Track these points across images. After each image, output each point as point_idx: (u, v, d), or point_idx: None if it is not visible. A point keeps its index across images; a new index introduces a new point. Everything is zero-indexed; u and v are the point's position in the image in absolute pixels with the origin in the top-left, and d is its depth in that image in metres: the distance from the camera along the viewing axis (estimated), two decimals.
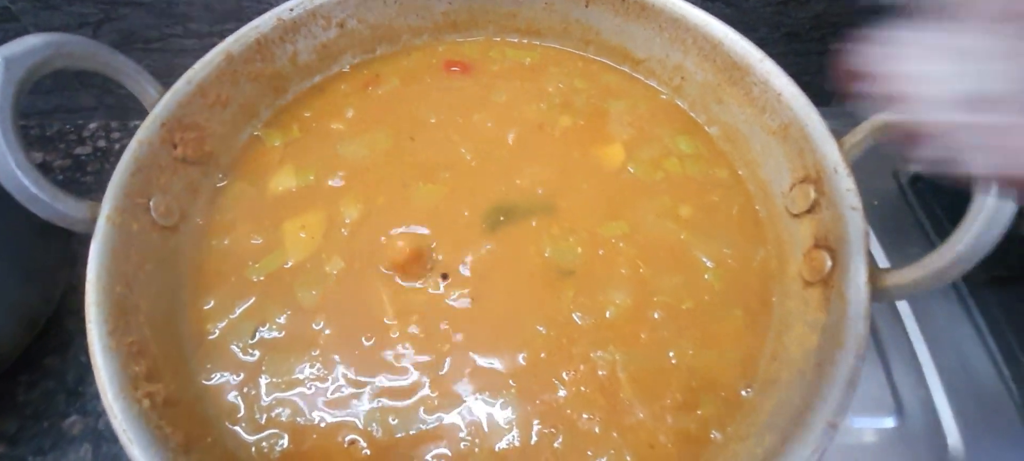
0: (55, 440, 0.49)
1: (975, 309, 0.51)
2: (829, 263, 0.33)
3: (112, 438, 0.49)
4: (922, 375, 0.48)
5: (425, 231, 0.38)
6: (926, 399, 0.47)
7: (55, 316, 0.53)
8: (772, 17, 0.64)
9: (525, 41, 0.50)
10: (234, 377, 0.33)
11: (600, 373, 0.33)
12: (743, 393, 0.33)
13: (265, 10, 0.59)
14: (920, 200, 0.59)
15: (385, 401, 0.32)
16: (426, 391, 0.33)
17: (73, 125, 0.69)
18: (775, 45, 0.66)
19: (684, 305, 0.36)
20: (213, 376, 0.33)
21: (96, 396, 0.50)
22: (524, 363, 0.34)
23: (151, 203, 0.35)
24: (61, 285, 0.54)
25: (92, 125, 0.69)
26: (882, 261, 0.54)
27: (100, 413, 0.50)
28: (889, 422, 0.46)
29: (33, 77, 0.30)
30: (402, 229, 0.38)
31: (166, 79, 0.37)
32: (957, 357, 0.49)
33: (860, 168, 0.34)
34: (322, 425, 0.32)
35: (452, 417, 0.32)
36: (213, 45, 0.64)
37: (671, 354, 0.34)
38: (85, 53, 0.32)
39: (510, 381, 0.33)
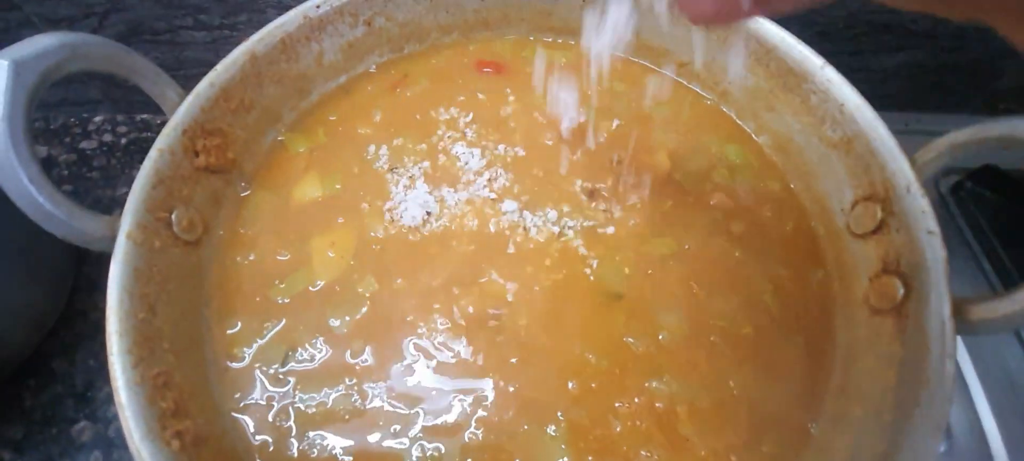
0: (64, 447, 0.47)
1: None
2: (902, 291, 0.31)
3: (123, 445, 0.46)
4: (971, 399, 0.46)
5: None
6: (974, 423, 0.45)
7: (63, 317, 0.51)
8: (804, 14, 0.62)
9: (560, 40, 0.47)
10: (265, 408, 0.31)
11: (657, 405, 0.31)
12: (810, 428, 0.31)
13: (277, 3, 0.57)
14: (961, 209, 0.57)
15: (427, 437, 0.30)
16: (471, 427, 0.30)
17: (78, 118, 0.67)
18: (806, 44, 0.64)
19: (742, 330, 0.34)
20: (242, 407, 0.31)
21: (106, 401, 0.48)
22: (574, 394, 0.31)
23: (173, 217, 0.32)
24: (68, 285, 0.52)
25: (98, 118, 0.67)
26: None
27: (111, 419, 0.48)
28: (939, 447, 0.44)
29: (46, 82, 0.27)
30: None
31: (175, 72, 0.35)
32: (1006, 380, 0.47)
33: None
34: None
35: (500, 454, 0.30)
36: (224, 38, 0.61)
37: (731, 384, 0.32)
38: (102, 55, 0.30)
39: (559, 414, 0.31)
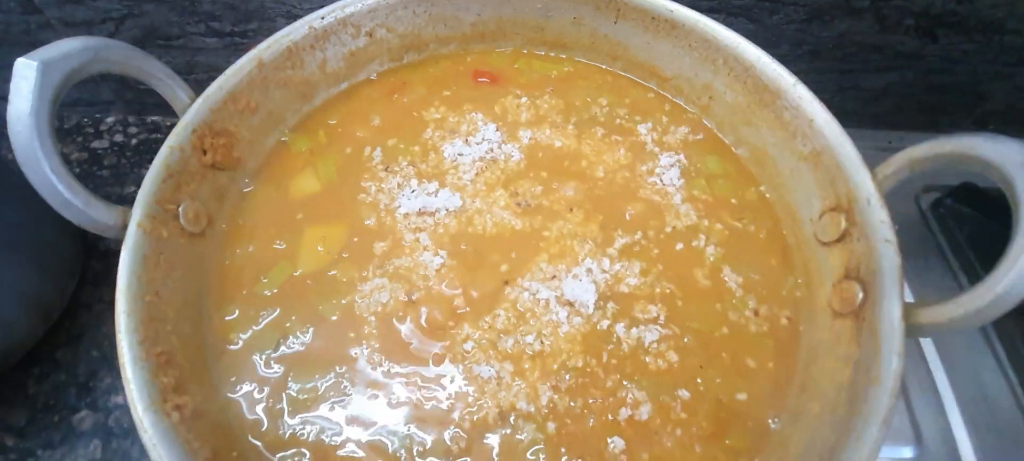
0: (65, 434, 0.48)
1: (996, 339, 0.50)
2: (860, 295, 0.33)
3: (122, 434, 0.49)
4: (942, 405, 0.47)
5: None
6: (945, 430, 0.46)
7: (68, 309, 0.53)
8: (795, 34, 0.64)
9: (552, 54, 0.50)
10: (258, 390, 0.33)
11: (628, 399, 0.33)
12: (771, 424, 0.33)
13: (286, 12, 0.60)
14: (941, 225, 0.59)
15: (414, 428, 0.32)
16: (457, 416, 0.32)
17: (91, 119, 0.69)
18: (797, 62, 0.66)
19: (714, 332, 0.36)
20: (237, 388, 0.33)
21: (107, 391, 0.50)
22: (554, 390, 0.33)
23: (180, 209, 0.35)
24: (75, 278, 0.54)
25: (110, 119, 0.69)
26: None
27: (111, 409, 0.50)
28: (908, 452, 0.46)
29: (70, 83, 0.30)
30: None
31: (186, 76, 0.37)
32: (977, 387, 0.49)
33: None
34: (347, 446, 0.31)
35: (482, 443, 0.32)
36: (234, 44, 0.64)
37: (699, 381, 0.34)
38: (121, 58, 0.32)
39: (540, 408, 0.33)
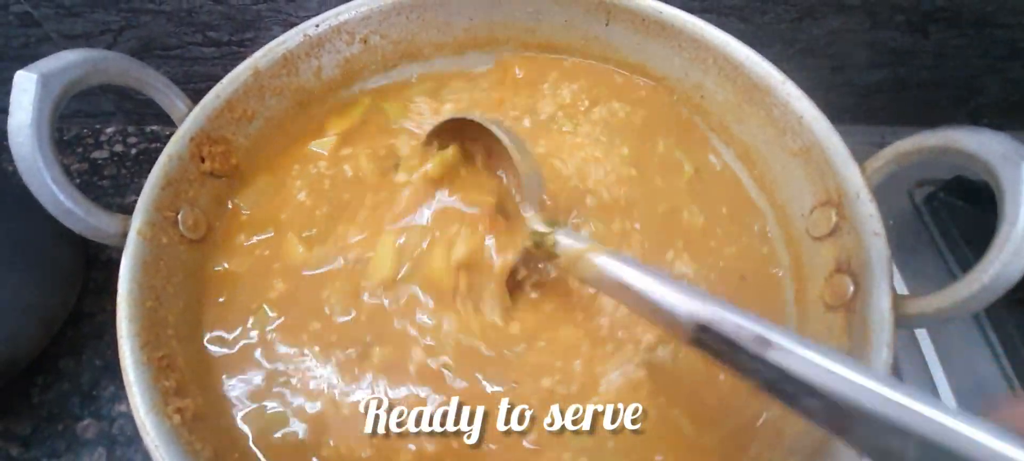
0: (69, 443, 0.49)
1: (991, 331, 0.51)
2: (851, 288, 0.33)
3: (126, 442, 0.49)
4: (937, 397, 0.48)
5: None
6: None
7: (71, 319, 0.53)
8: (787, 33, 0.64)
9: (543, 57, 0.50)
10: (254, 396, 0.33)
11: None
12: (762, 417, 0.33)
13: (283, 21, 0.60)
14: (935, 219, 0.59)
15: (412, 425, 0.32)
16: (453, 417, 0.32)
17: (90, 129, 0.70)
18: (790, 61, 0.66)
19: None
20: (235, 393, 0.33)
21: (111, 399, 0.51)
22: (551, 387, 0.34)
23: (179, 216, 0.35)
24: (77, 288, 0.54)
25: (109, 129, 0.70)
26: (897, 281, 0.54)
27: (114, 417, 0.50)
28: None
29: (69, 93, 0.30)
30: None
31: (184, 86, 0.38)
32: (973, 380, 0.49)
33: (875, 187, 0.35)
34: (344, 448, 0.32)
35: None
36: (232, 54, 0.65)
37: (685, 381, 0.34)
38: (119, 69, 0.33)
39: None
